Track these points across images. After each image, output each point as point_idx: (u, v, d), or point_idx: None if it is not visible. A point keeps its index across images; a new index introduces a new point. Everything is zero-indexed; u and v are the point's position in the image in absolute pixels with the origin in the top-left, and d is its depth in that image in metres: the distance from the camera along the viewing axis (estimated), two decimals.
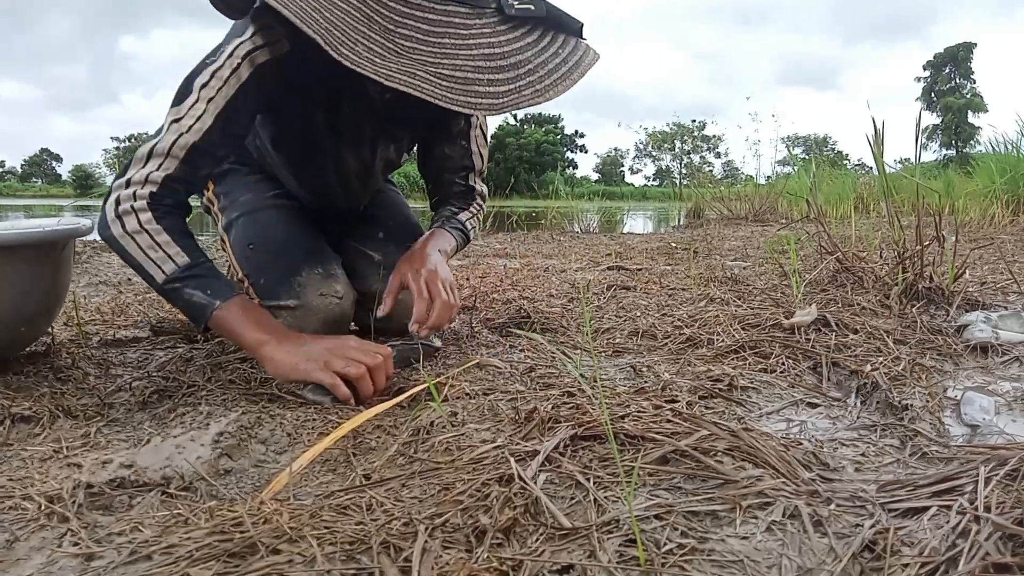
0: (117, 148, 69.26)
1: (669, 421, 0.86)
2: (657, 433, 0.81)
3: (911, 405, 0.93)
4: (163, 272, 1.06)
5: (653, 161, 67.51)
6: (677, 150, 62.57)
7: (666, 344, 1.35)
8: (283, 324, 1.24)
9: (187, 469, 0.78)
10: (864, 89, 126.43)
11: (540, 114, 61.61)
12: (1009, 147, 6.25)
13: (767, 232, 6.28)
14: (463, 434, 0.87)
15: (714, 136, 59.90)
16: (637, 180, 68.30)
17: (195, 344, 1.44)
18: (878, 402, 1.02)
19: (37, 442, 0.89)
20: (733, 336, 1.33)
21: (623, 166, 71.21)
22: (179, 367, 1.25)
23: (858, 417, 0.97)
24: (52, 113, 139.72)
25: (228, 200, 1.45)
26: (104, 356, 1.34)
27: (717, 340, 1.32)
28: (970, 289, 1.84)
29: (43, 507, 0.68)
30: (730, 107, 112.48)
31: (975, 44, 54.83)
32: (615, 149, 71.35)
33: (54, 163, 74.74)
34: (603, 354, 1.33)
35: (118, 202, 1.08)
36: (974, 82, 55.33)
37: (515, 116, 60.97)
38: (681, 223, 10.17)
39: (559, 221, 8.02)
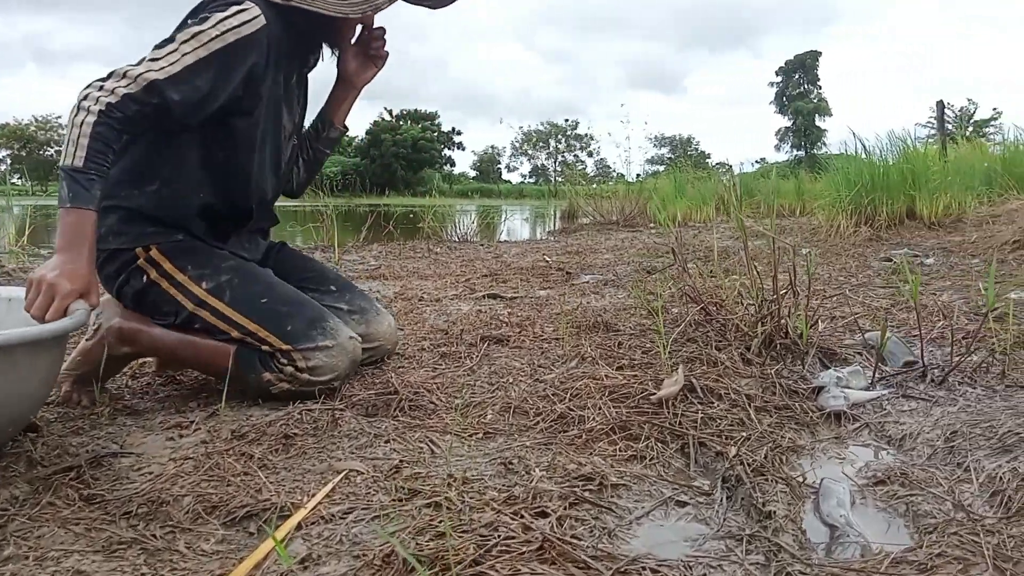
0: None
1: (538, 557, 0.82)
2: None
3: (774, 513, 0.94)
4: (68, 160, 1.27)
5: (529, 159, 68.57)
6: (552, 148, 63.91)
7: (538, 423, 1.32)
8: (318, 363, 1.46)
9: None
10: (708, 93, 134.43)
11: (416, 110, 61.06)
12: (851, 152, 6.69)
13: (637, 240, 6.49)
14: None
15: (586, 135, 61.67)
16: (514, 178, 69.23)
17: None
18: (742, 499, 1.02)
19: None
20: (604, 414, 1.31)
21: (500, 164, 71.84)
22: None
23: (724, 519, 0.97)
24: None
25: (202, 269, 1.51)
26: None
27: (588, 419, 1.30)
28: (822, 330, 1.94)
29: None
30: (587, 107, 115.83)
31: (820, 53, 59.44)
32: (492, 147, 71.82)
33: None
34: (474, 437, 1.28)
35: (86, 97, 1.30)
36: (820, 88, 59.98)
37: (391, 112, 60.14)
38: (556, 227, 10.36)
39: (437, 226, 7.92)
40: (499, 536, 0.87)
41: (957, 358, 1.56)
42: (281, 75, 1.55)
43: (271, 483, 1.06)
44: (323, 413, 1.34)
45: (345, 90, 1.81)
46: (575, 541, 0.87)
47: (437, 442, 1.24)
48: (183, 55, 1.36)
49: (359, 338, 1.57)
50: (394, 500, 1.02)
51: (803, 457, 1.20)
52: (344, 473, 1.09)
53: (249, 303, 1.49)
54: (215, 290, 1.49)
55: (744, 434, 1.23)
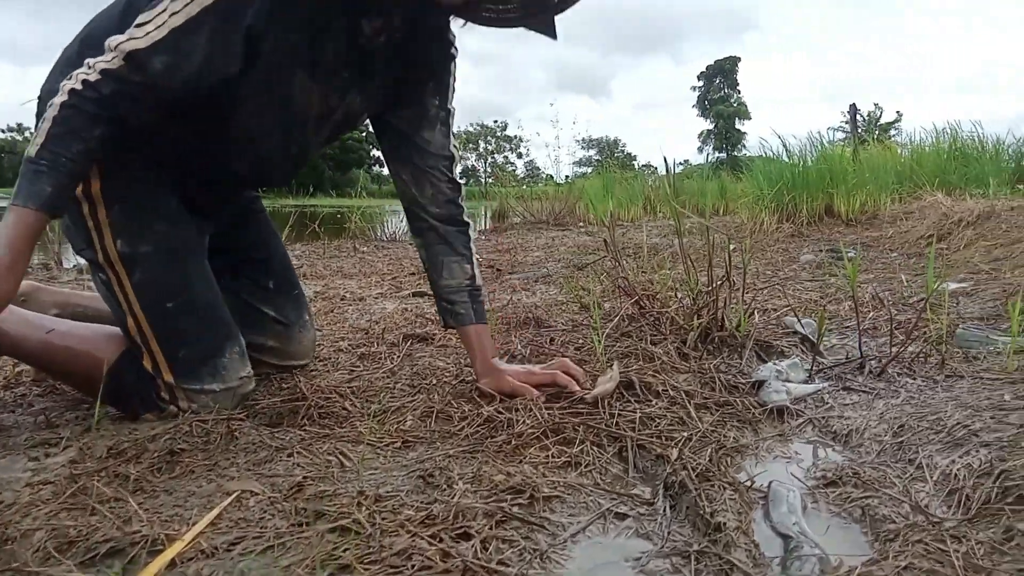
0: None
1: None
2: None
3: (724, 524, 0.84)
4: (34, 147, 1.10)
5: (459, 160, 68.11)
6: (481, 150, 63.75)
7: (462, 429, 1.19)
8: (202, 406, 1.28)
9: None
10: (633, 96, 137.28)
11: None
12: (771, 153, 6.84)
13: (567, 239, 6.43)
14: None
15: (515, 137, 61.76)
16: None
17: None
18: (687, 508, 0.92)
19: None
20: (535, 416, 1.20)
21: None
22: None
23: (668, 533, 0.87)
24: None
25: (127, 220, 1.27)
26: None
27: (517, 422, 1.18)
28: (757, 322, 1.88)
29: None
30: (516, 110, 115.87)
31: (739, 59, 61.32)
32: None
33: None
34: (390, 446, 1.14)
35: (70, 77, 1.12)
36: (740, 92, 61.88)
37: None
38: (487, 226, 10.23)
39: (364, 226, 7.67)
40: (413, 567, 0.75)
41: (895, 348, 1.52)
42: (291, 41, 1.21)
43: (144, 511, 0.90)
44: (218, 424, 1.18)
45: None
46: (502, 568, 0.75)
47: (348, 454, 1.10)
48: (171, 15, 1.11)
49: (251, 377, 1.36)
50: (292, 525, 0.87)
51: (748, 458, 1.11)
52: (235, 495, 0.94)
53: (155, 299, 1.28)
54: (127, 258, 1.27)
55: (685, 434, 1.14)
